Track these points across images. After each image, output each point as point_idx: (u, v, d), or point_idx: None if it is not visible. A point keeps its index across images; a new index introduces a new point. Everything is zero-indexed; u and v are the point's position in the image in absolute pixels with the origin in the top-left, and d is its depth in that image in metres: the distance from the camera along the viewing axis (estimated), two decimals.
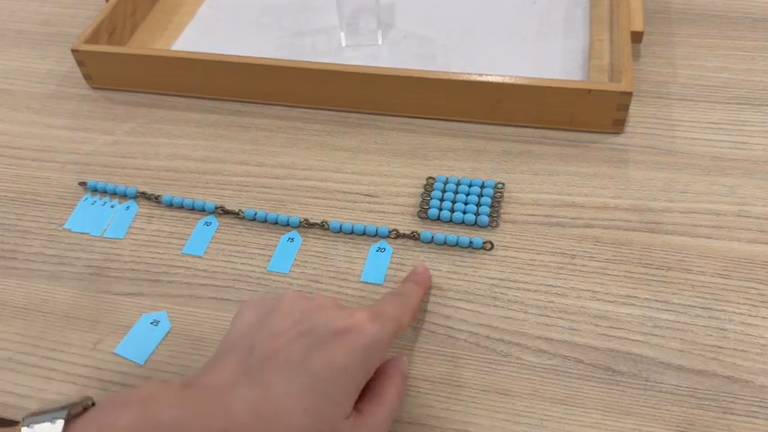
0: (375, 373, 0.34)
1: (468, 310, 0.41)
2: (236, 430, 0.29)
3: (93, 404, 0.30)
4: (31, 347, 0.42)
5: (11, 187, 0.52)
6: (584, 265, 0.43)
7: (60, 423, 0.28)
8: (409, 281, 0.41)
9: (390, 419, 0.33)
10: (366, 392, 0.33)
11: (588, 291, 0.42)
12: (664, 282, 0.42)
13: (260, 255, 0.46)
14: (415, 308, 0.38)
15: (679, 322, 0.40)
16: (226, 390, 0.30)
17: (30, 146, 0.55)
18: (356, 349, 0.31)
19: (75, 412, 0.29)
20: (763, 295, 0.41)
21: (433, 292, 0.42)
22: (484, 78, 0.50)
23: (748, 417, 0.36)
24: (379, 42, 0.60)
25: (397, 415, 0.35)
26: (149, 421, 0.28)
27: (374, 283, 0.43)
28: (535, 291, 0.42)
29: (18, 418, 0.38)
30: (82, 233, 0.48)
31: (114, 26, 0.60)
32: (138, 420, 0.28)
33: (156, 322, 0.42)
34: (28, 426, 0.28)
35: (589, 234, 0.45)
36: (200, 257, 0.46)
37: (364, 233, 0.46)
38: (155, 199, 0.49)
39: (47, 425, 0.28)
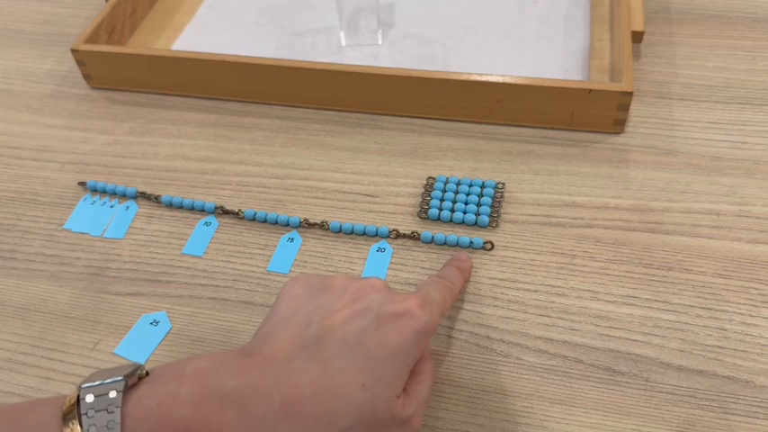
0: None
1: (468, 310, 0.41)
2: (298, 403, 0.29)
3: (147, 373, 0.29)
4: (30, 347, 0.42)
5: (10, 187, 0.52)
6: (584, 266, 0.43)
7: (119, 396, 0.27)
8: (452, 266, 0.41)
9: (429, 396, 0.34)
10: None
11: (588, 291, 0.42)
12: (664, 282, 0.42)
13: (260, 255, 0.46)
14: (456, 296, 0.39)
15: (679, 322, 0.40)
16: (286, 362, 0.30)
17: (29, 146, 0.55)
18: (408, 333, 0.32)
19: (131, 383, 0.28)
20: (764, 295, 0.41)
21: None
22: (484, 78, 0.50)
23: (749, 417, 0.36)
24: (379, 42, 0.60)
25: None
26: (211, 392, 0.28)
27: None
28: (535, 291, 0.42)
29: None
30: (81, 233, 0.48)
31: (114, 26, 0.60)
32: (199, 391, 0.28)
33: (155, 322, 0.42)
34: (84, 398, 0.27)
35: (589, 234, 0.45)
36: (199, 257, 0.46)
37: (364, 233, 0.46)
38: (154, 199, 0.49)
39: (104, 397, 0.27)
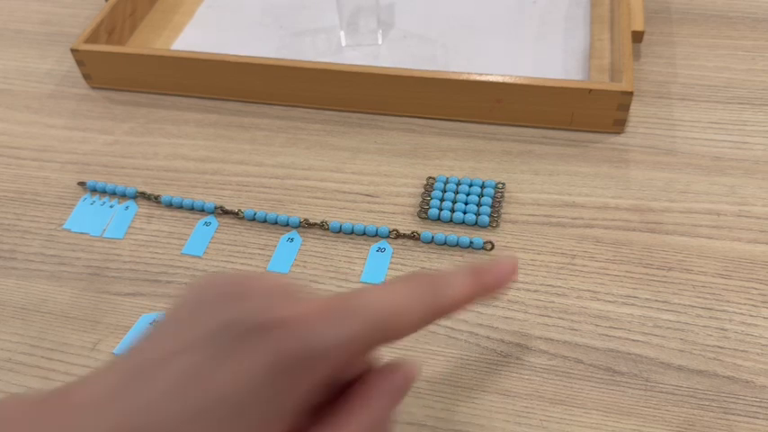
0: (350, 384, 0.24)
1: (468, 310, 0.41)
2: None
3: None
4: (30, 347, 0.42)
5: (10, 187, 0.52)
6: (584, 266, 0.43)
7: None
8: (467, 273, 0.27)
9: None
10: (326, 411, 0.23)
11: (588, 291, 0.42)
12: (664, 282, 0.42)
13: (260, 255, 0.46)
14: (442, 311, 0.25)
15: (679, 322, 0.40)
16: (88, 411, 0.21)
17: (29, 146, 0.55)
18: (267, 361, 0.21)
19: None
20: (764, 295, 0.41)
21: None
22: (484, 78, 0.50)
23: (749, 417, 0.36)
24: (379, 42, 0.60)
25: None
26: None
27: (374, 284, 0.43)
28: (535, 291, 0.42)
29: None
30: (81, 233, 0.48)
31: (114, 26, 0.60)
32: None
33: (155, 323, 0.42)
34: None
35: (589, 234, 0.45)
36: (199, 258, 0.46)
37: (364, 233, 0.46)
38: (154, 199, 0.49)
39: None
